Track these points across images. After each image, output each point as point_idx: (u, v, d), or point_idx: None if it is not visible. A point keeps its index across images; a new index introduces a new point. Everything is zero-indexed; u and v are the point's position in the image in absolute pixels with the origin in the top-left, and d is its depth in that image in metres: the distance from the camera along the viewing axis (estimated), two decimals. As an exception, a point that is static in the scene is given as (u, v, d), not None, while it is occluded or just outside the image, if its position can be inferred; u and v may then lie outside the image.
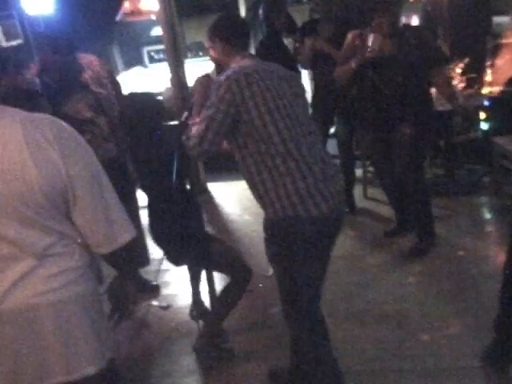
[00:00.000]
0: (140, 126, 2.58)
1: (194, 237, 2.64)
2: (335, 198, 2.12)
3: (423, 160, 3.72)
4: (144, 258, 3.58)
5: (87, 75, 3.04)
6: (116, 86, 3.28)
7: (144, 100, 2.67)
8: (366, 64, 3.40)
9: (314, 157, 2.12)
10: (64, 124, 1.58)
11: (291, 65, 4.56)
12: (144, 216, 4.56)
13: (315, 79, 4.43)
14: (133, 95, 2.79)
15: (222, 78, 2.12)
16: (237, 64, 2.23)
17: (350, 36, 3.53)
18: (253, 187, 2.17)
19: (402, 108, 3.41)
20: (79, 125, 2.81)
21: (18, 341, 1.55)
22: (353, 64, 3.43)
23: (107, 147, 3.06)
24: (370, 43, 3.32)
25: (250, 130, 2.08)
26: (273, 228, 2.15)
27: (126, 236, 1.64)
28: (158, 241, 2.72)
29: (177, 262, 2.79)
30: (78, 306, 1.61)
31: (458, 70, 4.45)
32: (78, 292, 1.61)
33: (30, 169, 1.45)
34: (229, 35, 2.29)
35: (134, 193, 3.44)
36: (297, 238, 2.12)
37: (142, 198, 3.63)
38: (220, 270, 2.84)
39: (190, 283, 3.13)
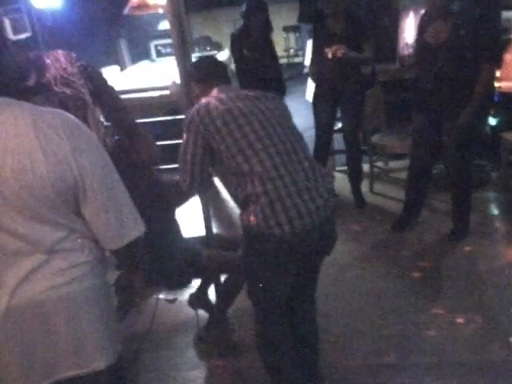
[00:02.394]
0: None
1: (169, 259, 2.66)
2: (313, 215, 2.04)
3: (473, 149, 3.69)
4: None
5: (50, 75, 2.84)
6: (94, 81, 2.99)
7: None
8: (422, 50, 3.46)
9: (288, 174, 2.06)
10: (74, 118, 1.58)
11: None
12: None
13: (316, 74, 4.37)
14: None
15: (187, 118, 2.23)
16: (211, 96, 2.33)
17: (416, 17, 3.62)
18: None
19: (459, 94, 3.39)
20: None
21: (28, 336, 1.56)
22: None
23: None
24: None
25: (217, 151, 2.14)
26: (243, 230, 2.16)
27: (135, 232, 1.63)
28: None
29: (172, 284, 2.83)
30: (87, 301, 1.61)
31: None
32: (87, 287, 1.61)
33: (40, 163, 1.45)
34: (202, 76, 2.45)
35: None
36: (259, 252, 2.10)
37: None
38: (216, 277, 2.86)
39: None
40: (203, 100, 2.27)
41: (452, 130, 3.46)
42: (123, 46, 7.89)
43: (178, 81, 2.81)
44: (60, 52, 2.92)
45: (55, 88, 2.81)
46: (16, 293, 1.52)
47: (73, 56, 2.95)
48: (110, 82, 3.13)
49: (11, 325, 1.54)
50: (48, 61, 2.85)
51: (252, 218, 2.03)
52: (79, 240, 1.60)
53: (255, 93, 2.28)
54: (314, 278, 2.34)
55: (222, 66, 2.54)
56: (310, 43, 5.05)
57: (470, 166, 3.65)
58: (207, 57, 2.74)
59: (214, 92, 2.35)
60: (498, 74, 4.52)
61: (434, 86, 3.44)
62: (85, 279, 1.60)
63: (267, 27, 4.65)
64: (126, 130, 3.19)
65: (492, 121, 4.62)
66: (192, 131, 2.17)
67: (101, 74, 3.08)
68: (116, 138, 2.74)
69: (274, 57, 4.79)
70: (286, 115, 2.27)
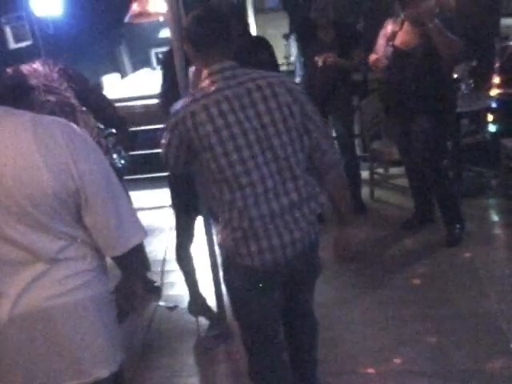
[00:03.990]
0: None
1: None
2: (287, 249, 1.91)
3: (442, 151, 3.76)
4: (145, 264, 3.56)
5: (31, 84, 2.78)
6: (77, 82, 2.96)
7: None
8: (393, 55, 3.54)
9: (265, 202, 1.88)
10: (74, 126, 1.58)
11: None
12: (155, 216, 4.57)
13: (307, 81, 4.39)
14: None
15: (173, 110, 1.93)
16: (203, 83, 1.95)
17: (387, 24, 3.65)
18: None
19: (420, 100, 3.49)
20: None
21: (31, 345, 1.55)
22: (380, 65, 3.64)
23: None
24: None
25: (199, 155, 1.91)
26: (218, 245, 2.05)
27: (136, 238, 1.64)
28: None
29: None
30: (90, 309, 1.61)
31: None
32: (90, 295, 1.61)
33: (41, 172, 1.45)
34: (199, 40, 1.95)
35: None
36: (232, 274, 2.02)
37: (134, 200, 3.64)
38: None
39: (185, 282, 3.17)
40: (188, 97, 1.93)
41: (416, 135, 3.61)
42: (124, 54, 7.91)
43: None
44: (37, 61, 2.88)
45: (40, 98, 2.76)
46: (18, 302, 1.52)
47: (50, 62, 2.89)
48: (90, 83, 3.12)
49: (14, 333, 1.54)
50: (27, 73, 2.79)
51: (223, 240, 1.94)
52: (81, 248, 1.59)
53: (259, 81, 1.90)
54: (305, 297, 2.23)
55: (228, 27, 2.00)
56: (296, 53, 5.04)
57: (441, 171, 3.70)
58: (210, 11, 2.02)
59: (208, 76, 1.92)
60: (497, 80, 4.55)
61: (402, 90, 3.53)
62: (88, 287, 1.60)
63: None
64: (116, 126, 3.20)
65: (491, 127, 4.62)
66: (175, 135, 1.91)
67: (82, 75, 3.05)
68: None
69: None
70: (289, 112, 1.90)
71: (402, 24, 3.55)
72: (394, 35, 3.57)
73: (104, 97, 3.21)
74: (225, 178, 1.86)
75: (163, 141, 1.98)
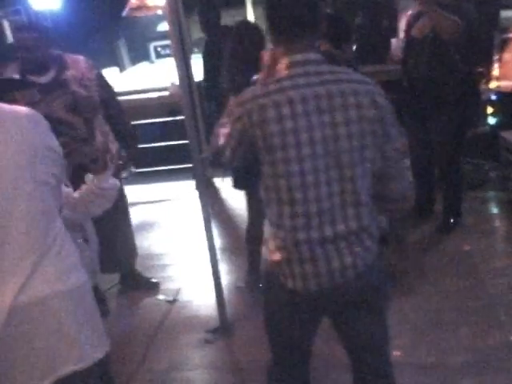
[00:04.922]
0: None
1: None
2: (335, 274, 1.67)
3: (462, 146, 3.80)
4: (133, 252, 3.57)
5: (70, 73, 2.94)
6: (106, 89, 3.19)
7: None
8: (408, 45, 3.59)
9: (318, 227, 1.64)
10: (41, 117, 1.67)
11: None
12: (153, 210, 4.55)
13: None
14: None
15: (237, 100, 1.69)
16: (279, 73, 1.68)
17: (407, 16, 3.71)
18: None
19: (437, 88, 3.51)
20: (56, 125, 2.70)
21: (32, 335, 1.58)
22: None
23: (85, 150, 2.93)
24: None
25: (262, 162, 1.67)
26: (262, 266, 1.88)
27: None
28: None
29: None
30: (85, 294, 1.70)
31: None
32: (84, 280, 1.69)
33: (33, 165, 1.52)
34: (276, 20, 1.67)
35: (120, 195, 3.41)
36: (271, 292, 1.82)
37: (130, 194, 3.65)
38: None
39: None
40: (260, 87, 1.67)
41: (438, 127, 3.60)
42: (122, 48, 7.90)
43: (178, 82, 2.82)
44: (80, 57, 3.06)
45: (72, 86, 2.92)
46: (20, 294, 1.55)
47: (90, 63, 3.09)
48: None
49: (16, 325, 1.56)
50: (69, 61, 2.98)
51: (266, 254, 1.75)
52: (67, 240, 1.67)
53: (344, 85, 1.61)
54: (367, 329, 1.84)
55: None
56: None
57: (459, 162, 3.77)
58: None
59: (288, 67, 1.64)
60: (496, 72, 4.54)
61: (419, 81, 3.55)
62: (79, 274, 1.68)
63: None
64: (126, 140, 3.31)
65: (491, 120, 4.62)
66: (237, 129, 1.67)
67: (111, 86, 3.29)
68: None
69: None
70: (370, 129, 1.62)
71: (418, 17, 3.55)
72: (410, 26, 3.60)
73: (123, 111, 3.37)
74: (278, 187, 1.64)
75: (223, 129, 1.75)
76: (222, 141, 1.76)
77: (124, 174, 3.25)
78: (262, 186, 1.70)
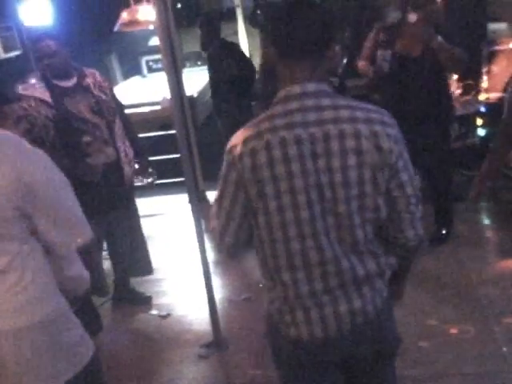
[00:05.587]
0: None
1: None
2: (343, 320, 1.54)
3: (450, 157, 3.89)
4: (148, 267, 3.59)
5: (89, 80, 3.14)
6: (117, 101, 3.36)
7: None
8: (393, 65, 3.56)
9: (333, 267, 1.50)
10: (19, 139, 1.67)
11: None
12: (146, 224, 4.56)
13: None
14: None
15: (230, 144, 1.54)
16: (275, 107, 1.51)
17: (378, 30, 3.68)
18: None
19: (428, 106, 3.55)
20: (82, 124, 2.96)
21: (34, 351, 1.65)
22: (371, 74, 3.70)
23: (108, 151, 3.08)
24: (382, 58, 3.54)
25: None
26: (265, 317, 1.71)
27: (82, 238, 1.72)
28: None
29: None
30: (68, 308, 1.77)
31: (455, 77, 4.48)
32: (47, 312, 1.68)
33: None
34: (277, 40, 1.51)
35: (132, 198, 3.45)
36: (275, 345, 1.69)
37: (142, 205, 3.66)
38: None
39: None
40: (251, 126, 1.51)
41: (425, 142, 3.60)
42: (114, 62, 7.91)
43: (169, 96, 2.83)
44: (95, 71, 3.27)
45: (94, 91, 3.12)
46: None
47: (103, 76, 3.28)
48: None
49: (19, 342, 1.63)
50: (87, 73, 3.18)
51: (267, 302, 1.62)
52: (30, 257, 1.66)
53: (345, 125, 1.44)
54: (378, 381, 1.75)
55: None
56: None
57: (448, 174, 3.86)
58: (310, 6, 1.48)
59: (283, 100, 1.49)
60: (485, 84, 4.58)
61: (407, 97, 3.56)
62: (42, 307, 1.69)
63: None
64: (134, 146, 3.41)
65: (481, 132, 4.66)
66: (230, 180, 1.52)
67: (120, 100, 3.47)
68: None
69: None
70: (370, 176, 1.47)
71: (398, 30, 3.53)
72: (390, 42, 3.55)
73: (131, 123, 3.54)
74: (273, 239, 1.50)
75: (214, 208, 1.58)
76: (212, 222, 1.59)
77: (150, 179, 3.46)
78: (255, 240, 1.57)
